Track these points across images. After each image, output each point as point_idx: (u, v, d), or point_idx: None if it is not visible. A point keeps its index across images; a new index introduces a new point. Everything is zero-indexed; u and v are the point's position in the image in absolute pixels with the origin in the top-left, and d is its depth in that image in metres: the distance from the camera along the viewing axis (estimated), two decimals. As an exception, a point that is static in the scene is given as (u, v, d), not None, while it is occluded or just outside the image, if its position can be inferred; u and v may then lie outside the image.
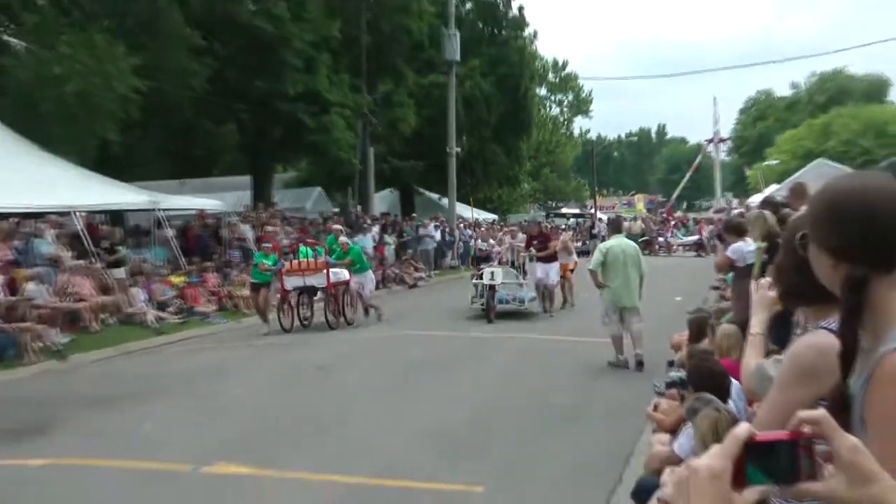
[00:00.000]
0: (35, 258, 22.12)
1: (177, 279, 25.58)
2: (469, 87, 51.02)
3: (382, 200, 53.06)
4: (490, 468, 9.95)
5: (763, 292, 4.33)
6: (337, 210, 45.48)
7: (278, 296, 23.02)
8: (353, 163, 42.63)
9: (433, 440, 11.30)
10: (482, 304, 23.24)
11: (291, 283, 22.59)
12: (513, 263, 26.32)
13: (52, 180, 25.37)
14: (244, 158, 44.89)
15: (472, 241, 44.96)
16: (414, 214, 49.39)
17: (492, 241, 35.21)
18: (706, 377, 7.05)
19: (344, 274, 23.00)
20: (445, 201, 51.25)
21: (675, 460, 6.67)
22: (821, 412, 1.79)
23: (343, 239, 24.26)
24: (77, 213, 24.48)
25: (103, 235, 25.64)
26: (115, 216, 29.07)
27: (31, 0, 31.78)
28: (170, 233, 28.38)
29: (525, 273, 25.11)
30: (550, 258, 23.82)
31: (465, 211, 53.48)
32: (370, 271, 24.96)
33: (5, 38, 33.86)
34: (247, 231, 31.12)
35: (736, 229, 12.88)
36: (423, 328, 21.90)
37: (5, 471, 10.61)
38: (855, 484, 1.76)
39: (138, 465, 10.35)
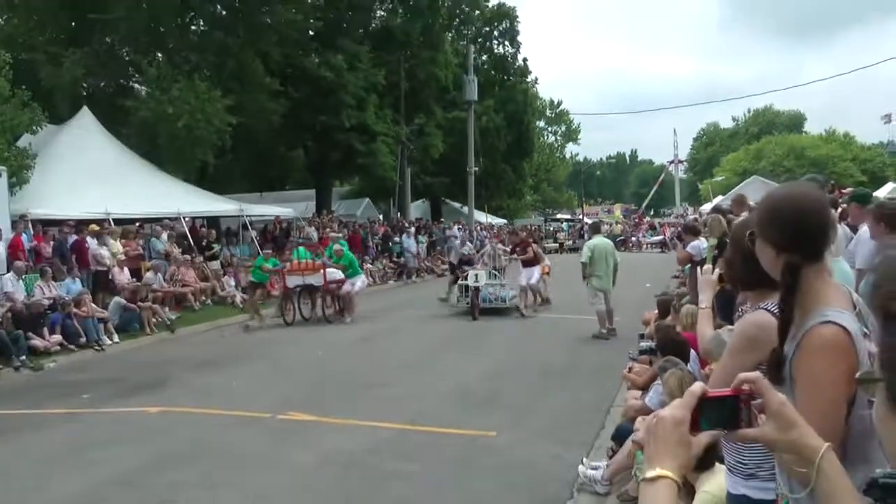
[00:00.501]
0: (153, 253, 22.30)
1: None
2: (484, 121, 50.95)
3: (417, 209, 52.99)
4: (500, 417, 10.00)
5: (707, 276, 4.50)
6: (381, 216, 45.50)
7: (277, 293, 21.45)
8: (393, 179, 42.66)
9: (455, 396, 11.38)
10: (467, 302, 20.39)
11: (292, 281, 20.28)
12: (494, 267, 22.45)
13: (166, 193, 25.65)
14: (309, 176, 44.93)
15: (488, 241, 44.89)
16: (441, 219, 49.46)
17: (468, 244, 31.96)
18: (671, 345, 7.08)
19: (339, 274, 20.45)
20: (466, 209, 51.29)
21: (647, 411, 6.71)
22: (757, 374, 1.88)
23: (337, 246, 21.86)
24: (184, 218, 24.66)
25: (203, 235, 25.73)
26: (212, 221, 29.22)
27: (152, 56, 32.02)
28: (253, 234, 28.58)
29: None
30: (532, 262, 20.89)
31: (481, 217, 53.50)
32: (362, 275, 22.10)
33: (133, 85, 34.18)
34: (311, 232, 31.15)
35: (693, 230, 12.95)
36: (446, 311, 21.63)
37: (131, 415, 10.81)
38: (781, 429, 1.84)
39: (230, 413, 10.45)
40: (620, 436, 7.49)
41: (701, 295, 4.42)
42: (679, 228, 51.48)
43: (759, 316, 2.85)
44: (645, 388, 8.36)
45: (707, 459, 4.42)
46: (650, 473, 1.73)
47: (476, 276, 20.30)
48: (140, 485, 7.72)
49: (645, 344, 8.97)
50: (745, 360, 2.60)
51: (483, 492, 7.39)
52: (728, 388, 1.84)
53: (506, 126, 53.36)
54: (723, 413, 1.81)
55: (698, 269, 7.61)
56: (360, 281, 21.42)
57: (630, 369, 9.57)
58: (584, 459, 7.71)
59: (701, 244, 11.99)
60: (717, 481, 4.34)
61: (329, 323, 19.92)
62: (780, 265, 2.32)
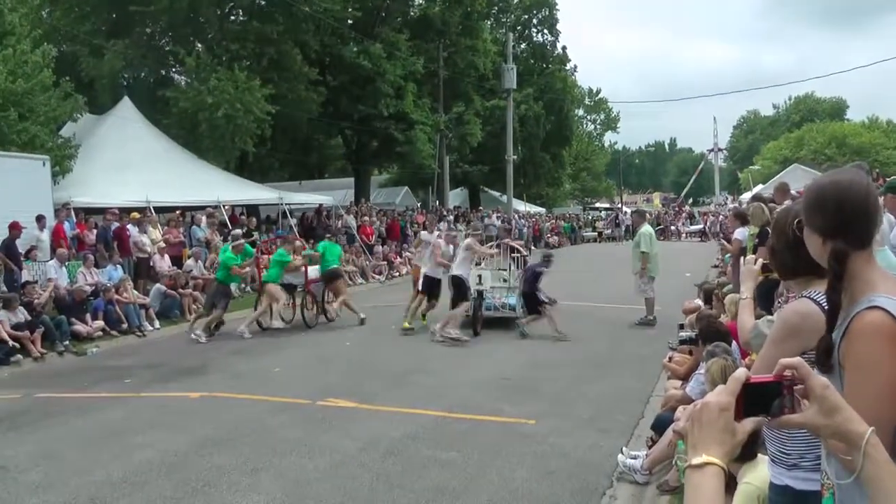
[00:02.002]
0: (193, 241, 22.50)
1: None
2: (523, 109, 50.88)
3: (455, 197, 53.04)
4: (539, 405, 10.00)
5: (749, 266, 4.42)
6: (419, 204, 45.57)
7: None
8: (432, 168, 42.73)
9: (494, 384, 11.37)
10: (467, 312, 15.71)
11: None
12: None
13: (206, 181, 25.87)
14: (348, 164, 45.12)
15: (525, 229, 44.91)
16: (479, 208, 49.46)
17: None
18: (713, 335, 7.03)
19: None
20: (504, 198, 51.26)
21: (687, 400, 6.68)
22: (798, 359, 1.86)
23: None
24: (223, 206, 24.82)
25: (242, 223, 25.88)
26: (251, 209, 29.39)
27: (192, 47, 32.30)
28: (292, 221, 28.74)
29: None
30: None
31: (520, 205, 53.41)
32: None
33: (173, 75, 34.49)
34: (350, 220, 31.26)
35: (741, 217, 12.84)
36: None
37: (173, 400, 10.92)
38: (825, 414, 1.82)
39: (271, 399, 10.52)
40: (660, 425, 7.46)
41: (742, 285, 4.37)
42: (720, 220, 51.35)
43: (801, 304, 2.83)
44: (685, 378, 8.32)
45: (749, 449, 4.39)
46: (697, 460, 1.73)
47: (479, 276, 16.36)
48: (182, 468, 7.80)
49: (685, 334, 8.91)
50: (787, 349, 2.58)
51: (521, 479, 7.37)
52: (770, 375, 1.84)
53: (545, 114, 53.29)
54: (766, 399, 1.80)
55: (741, 258, 7.56)
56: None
57: (670, 359, 9.54)
58: (624, 449, 7.69)
59: (745, 231, 11.93)
60: (759, 472, 4.30)
61: (309, 327, 17.31)
62: (827, 253, 2.30)
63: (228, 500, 6.95)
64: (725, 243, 16.09)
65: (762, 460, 3.95)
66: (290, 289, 17.77)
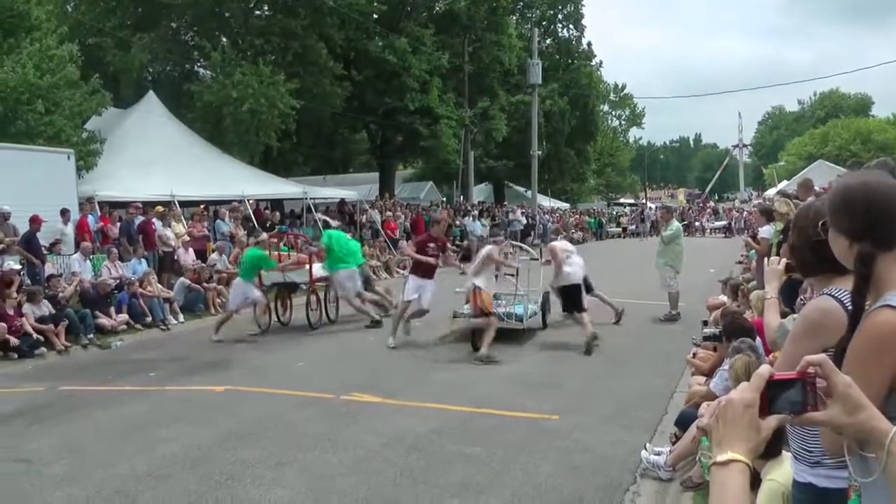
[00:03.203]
0: (217, 234, 22.61)
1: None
2: (548, 104, 50.85)
3: (480, 192, 53.03)
4: (562, 401, 9.97)
5: (773, 266, 4.41)
6: (444, 199, 45.59)
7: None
8: (457, 163, 42.74)
9: (518, 380, 11.34)
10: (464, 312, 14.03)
11: (270, 278, 16.67)
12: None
13: (230, 176, 26.01)
14: (373, 159, 45.23)
15: (550, 224, 44.88)
16: (504, 203, 49.46)
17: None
18: (738, 331, 7.01)
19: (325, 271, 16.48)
20: (529, 193, 51.25)
21: (711, 396, 6.65)
22: (822, 356, 1.84)
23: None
24: (248, 201, 24.92)
25: (266, 218, 25.98)
26: (275, 203, 29.48)
27: (217, 41, 32.46)
28: (317, 216, 28.74)
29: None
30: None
31: (545, 201, 53.41)
32: (350, 269, 16.39)
33: (198, 69, 34.67)
34: (375, 215, 31.32)
35: (767, 214, 12.80)
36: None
37: (198, 394, 10.98)
38: (848, 412, 1.81)
39: (294, 393, 10.56)
40: (684, 421, 7.44)
41: (767, 285, 4.38)
42: (744, 214, 51.11)
43: (822, 301, 2.83)
44: (709, 374, 8.30)
45: (774, 446, 4.39)
46: (722, 457, 1.72)
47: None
48: (206, 462, 7.83)
49: (709, 330, 8.89)
50: (809, 346, 2.57)
51: (546, 474, 7.36)
52: (793, 371, 1.82)
53: (570, 109, 53.24)
54: (789, 396, 1.79)
55: (767, 257, 7.53)
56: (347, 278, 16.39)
57: (694, 355, 9.52)
58: (647, 445, 7.68)
59: (772, 229, 11.88)
60: (783, 469, 4.30)
61: (314, 329, 16.22)
62: (853, 254, 2.30)
63: (252, 494, 6.97)
64: (751, 240, 16.00)
65: (786, 457, 3.95)
66: (291, 287, 17.12)
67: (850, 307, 2.32)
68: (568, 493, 6.94)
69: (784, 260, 4.33)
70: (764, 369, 1.79)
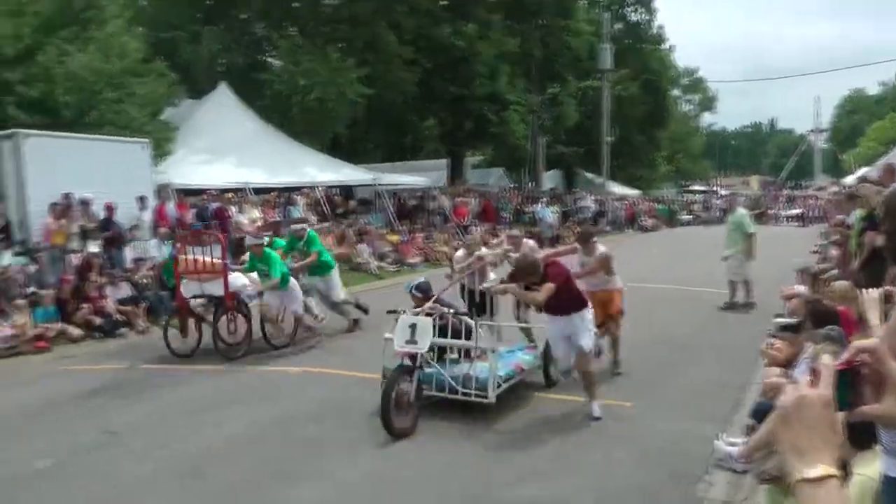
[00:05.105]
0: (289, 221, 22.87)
1: (392, 237, 25.91)
2: (619, 89, 50.39)
3: (550, 178, 52.72)
4: (634, 389, 9.86)
5: (871, 295, 4.28)
6: (514, 185, 45.43)
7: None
8: (526, 149, 42.64)
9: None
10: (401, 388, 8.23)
11: (189, 289, 12.62)
12: (472, 296, 11.00)
13: (301, 162, 26.27)
14: (442, 146, 45.28)
15: (620, 211, 44.56)
16: (574, 189, 49.16)
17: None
18: (823, 316, 6.85)
19: (243, 280, 12.86)
20: (599, 180, 50.89)
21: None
22: (873, 342, 1.70)
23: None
24: (318, 188, 25.12)
25: (337, 204, 26.16)
26: (346, 190, 29.66)
27: (285, 30, 32.73)
28: (387, 203, 28.89)
29: (485, 311, 10.48)
30: (573, 302, 8.74)
31: (615, 187, 52.96)
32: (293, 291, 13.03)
33: (267, 59, 35.00)
34: (444, 201, 31.37)
35: (853, 199, 12.51)
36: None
37: (274, 374, 11.21)
38: None
39: (366, 375, 10.51)
40: (760, 413, 7.30)
41: (869, 313, 4.24)
42: (819, 202, 50.02)
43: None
44: (786, 366, 8.14)
45: (865, 438, 4.26)
46: (813, 472, 1.50)
47: (413, 326, 8.51)
48: (282, 439, 8.00)
49: (785, 320, 8.71)
50: None
51: (619, 461, 7.37)
52: (840, 361, 1.66)
53: (641, 95, 52.61)
54: (846, 389, 1.62)
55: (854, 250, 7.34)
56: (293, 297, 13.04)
57: (769, 346, 9.33)
58: (721, 435, 7.56)
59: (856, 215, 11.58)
60: (874, 464, 4.16)
61: (224, 356, 12.19)
62: None
63: (329, 471, 7.12)
64: (832, 227, 15.64)
65: (877, 451, 3.84)
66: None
67: None
68: (642, 480, 6.92)
69: (881, 290, 4.19)
70: (828, 359, 1.62)
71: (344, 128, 31.18)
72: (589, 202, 42.10)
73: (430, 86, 36.70)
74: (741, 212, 17.07)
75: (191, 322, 12.86)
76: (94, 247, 16.41)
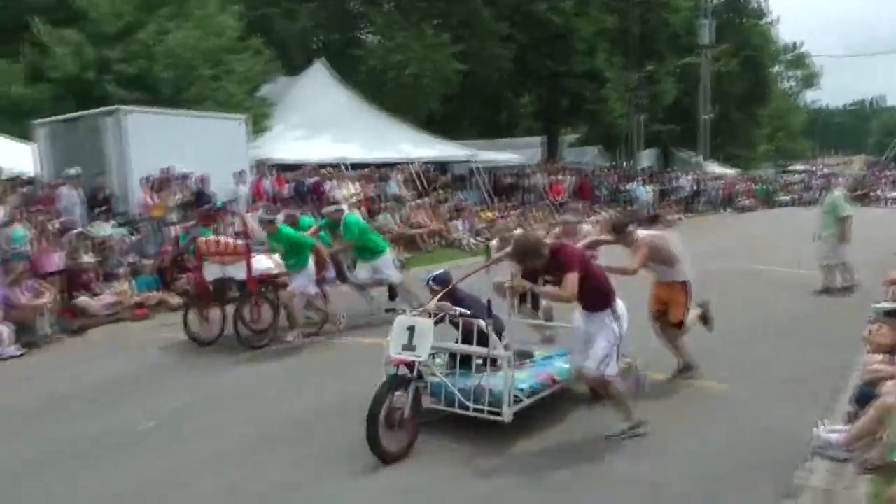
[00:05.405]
0: (386, 196, 22.90)
1: (487, 214, 25.76)
2: (718, 66, 49.24)
3: (646, 157, 51.92)
4: (729, 371, 9.41)
5: None
6: (611, 164, 44.81)
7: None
8: (623, 127, 42.10)
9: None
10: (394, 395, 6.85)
11: (210, 272, 11.64)
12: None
13: (397, 138, 26.36)
14: (537, 123, 44.92)
15: (717, 191, 43.63)
16: (669, 168, 48.30)
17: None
18: None
19: (268, 263, 11.78)
20: (695, 158, 49.96)
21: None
22: None
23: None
24: (414, 163, 25.10)
25: (433, 180, 26.10)
26: (441, 166, 29.56)
27: (380, 7, 32.79)
28: (482, 179, 28.71)
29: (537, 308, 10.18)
30: (595, 295, 7.04)
31: (712, 166, 51.91)
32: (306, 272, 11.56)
33: (363, 36, 35.16)
34: (540, 179, 31.06)
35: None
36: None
37: (366, 346, 10.90)
38: None
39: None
40: (863, 400, 6.92)
41: None
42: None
43: None
44: (890, 352, 7.72)
45: None
46: None
47: (411, 329, 7.04)
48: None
49: (890, 304, 8.26)
50: None
51: (716, 441, 7.12)
52: None
53: (741, 71, 51.35)
54: None
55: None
56: (306, 278, 11.53)
57: (872, 331, 8.86)
58: (822, 422, 7.15)
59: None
60: None
61: (248, 346, 11.21)
62: None
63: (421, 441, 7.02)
64: None
65: None
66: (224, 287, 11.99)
67: None
68: (736, 463, 6.65)
69: None
70: None
71: (439, 104, 31.05)
72: (684, 181, 41.30)
73: (526, 62, 36.38)
74: (837, 193, 16.37)
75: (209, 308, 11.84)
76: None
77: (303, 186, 20.56)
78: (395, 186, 23.40)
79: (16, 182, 16.01)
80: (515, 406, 7.15)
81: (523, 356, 8.03)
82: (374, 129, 26.20)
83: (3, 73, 20.79)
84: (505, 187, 29.96)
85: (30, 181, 17.05)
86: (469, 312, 7.42)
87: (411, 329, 7.00)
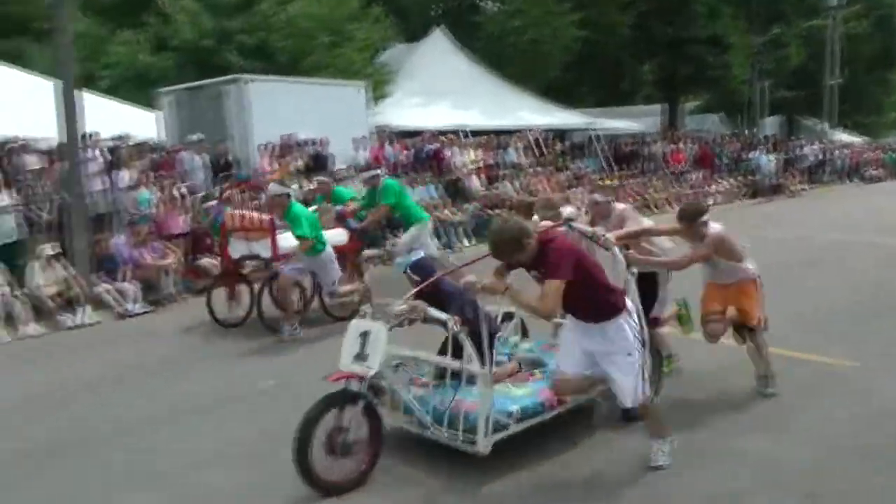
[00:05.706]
0: (504, 163, 22.69)
1: (606, 181, 25.27)
2: (848, 27, 47.21)
3: (770, 125, 50.36)
4: (856, 346, 8.78)
5: None
6: (734, 132, 43.61)
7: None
8: (745, 93, 40.95)
9: (813, 321, 10.11)
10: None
11: (237, 248, 10.93)
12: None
13: (516, 106, 26.20)
14: (657, 91, 44.05)
15: (844, 161, 41.84)
16: (793, 136, 46.72)
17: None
18: None
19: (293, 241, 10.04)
20: (821, 126, 48.18)
21: None
22: None
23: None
24: (533, 131, 24.81)
25: (552, 148, 25.76)
26: (560, 133, 29.14)
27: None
28: (601, 148, 28.21)
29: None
30: (598, 304, 5.51)
31: (839, 134, 49.98)
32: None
33: (482, 3, 35.02)
34: (660, 147, 30.35)
35: None
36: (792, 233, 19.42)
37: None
38: None
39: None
40: None
41: None
42: None
43: None
44: None
45: None
46: None
47: (364, 334, 5.67)
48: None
49: None
50: None
51: (842, 420, 6.66)
52: None
53: (872, 33, 49.14)
54: None
55: None
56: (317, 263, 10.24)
57: None
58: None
59: None
60: None
61: (270, 329, 10.33)
62: None
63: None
64: None
65: None
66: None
67: None
68: (864, 443, 6.17)
69: None
70: None
71: (558, 72, 30.63)
72: (809, 150, 39.73)
73: (646, 28, 35.63)
74: None
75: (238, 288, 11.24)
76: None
77: (422, 153, 20.49)
78: (513, 154, 23.15)
79: (143, 148, 16.30)
80: (496, 435, 5.63)
81: (534, 365, 6.72)
82: (493, 97, 26.07)
83: (130, 42, 21.36)
84: (625, 155, 29.33)
85: (156, 147, 17.39)
86: (443, 316, 5.78)
87: (364, 336, 5.65)
